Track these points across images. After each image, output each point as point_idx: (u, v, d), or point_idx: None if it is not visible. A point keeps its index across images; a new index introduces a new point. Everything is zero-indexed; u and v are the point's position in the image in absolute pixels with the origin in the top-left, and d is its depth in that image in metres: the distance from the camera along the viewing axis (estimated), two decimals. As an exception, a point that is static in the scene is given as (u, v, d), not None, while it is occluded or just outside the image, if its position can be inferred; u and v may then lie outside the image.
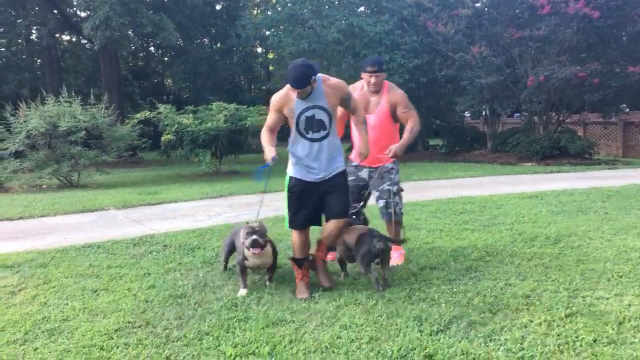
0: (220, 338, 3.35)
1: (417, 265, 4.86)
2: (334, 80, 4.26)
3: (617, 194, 8.84)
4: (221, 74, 27.55)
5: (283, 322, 3.58)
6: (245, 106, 15.02)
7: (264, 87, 31.74)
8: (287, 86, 4.12)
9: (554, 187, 9.90)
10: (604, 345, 3.07)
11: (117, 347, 3.26)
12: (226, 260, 4.86)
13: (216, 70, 27.25)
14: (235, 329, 3.48)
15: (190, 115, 14.30)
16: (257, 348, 3.17)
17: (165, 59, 30.80)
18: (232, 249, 4.69)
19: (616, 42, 16.37)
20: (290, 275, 4.60)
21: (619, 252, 5.12)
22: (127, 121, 14.70)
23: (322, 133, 4.20)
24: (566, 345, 3.09)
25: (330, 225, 4.34)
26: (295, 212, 4.32)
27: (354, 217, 4.68)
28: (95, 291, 4.37)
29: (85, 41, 24.88)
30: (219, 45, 29.04)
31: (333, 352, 3.11)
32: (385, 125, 4.98)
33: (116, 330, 3.51)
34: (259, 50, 32.49)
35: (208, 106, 14.96)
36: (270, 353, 3.11)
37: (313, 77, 3.97)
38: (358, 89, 5.06)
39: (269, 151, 4.10)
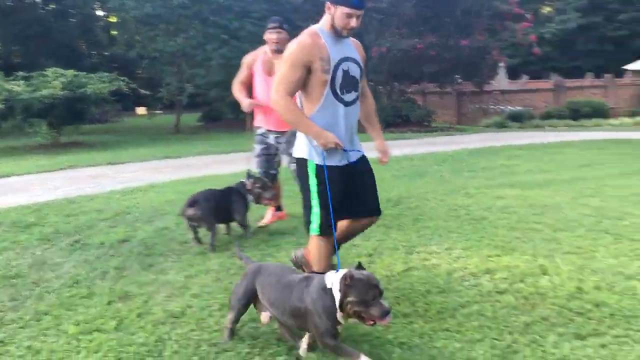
0: (60, 317, 3.17)
1: (268, 232, 4.98)
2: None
3: (450, 158, 9.65)
4: (57, 38, 25.46)
5: (130, 296, 3.47)
6: (85, 73, 14.17)
7: (106, 53, 29.89)
8: (309, 31, 3.01)
9: (397, 153, 10.50)
10: (435, 295, 3.37)
11: (-60, 336, 2.96)
12: (237, 320, 2.89)
13: (51, 33, 25.16)
14: (78, 306, 3.32)
15: (22, 82, 13.24)
16: (103, 324, 3.05)
17: (-10, 19, 27.67)
18: (250, 301, 2.86)
19: (450, 17, 17.61)
20: (138, 248, 4.49)
21: (450, 210, 5.63)
22: (-55, 88, 13.08)
23: (353, 95, 3.12)
24: (402, 297, 3.35)
25: (359, 226, 3.36)
26: (335, 209, 3.02)
27: (269, 183, 4.83)
28: None
29: None
30: (52, 6, 26.67)
31: (184, 321, 3.09)
32: None
33: (-62, 318, 3.18)
34: (100, 13, 30.36)
35: (43, 72, 13.90)
36: (116, 327, 3.01)
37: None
38: (260, 56, 4.97)
39: (333, 137, 2.98)
